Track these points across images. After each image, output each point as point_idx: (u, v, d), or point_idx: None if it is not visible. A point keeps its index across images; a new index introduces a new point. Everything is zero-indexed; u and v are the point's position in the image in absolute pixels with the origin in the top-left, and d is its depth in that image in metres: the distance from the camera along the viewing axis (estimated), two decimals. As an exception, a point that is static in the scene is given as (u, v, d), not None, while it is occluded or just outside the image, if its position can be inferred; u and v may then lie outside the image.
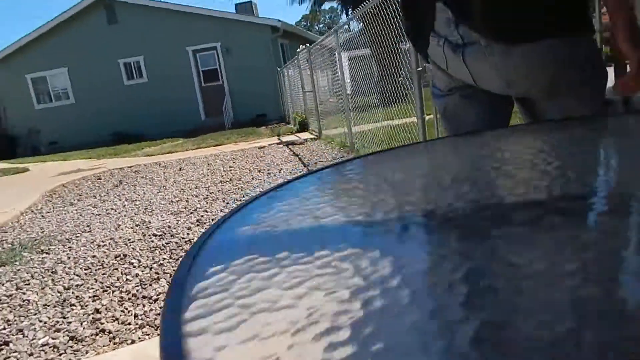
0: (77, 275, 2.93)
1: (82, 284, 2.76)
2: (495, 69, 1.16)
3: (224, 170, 6.36)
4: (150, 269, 2.87)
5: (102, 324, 2.22)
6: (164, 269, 2.83)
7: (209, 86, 16.80)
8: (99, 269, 3.00)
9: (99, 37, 16.50)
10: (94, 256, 3.28)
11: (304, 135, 9.96)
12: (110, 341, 2.06)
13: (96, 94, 16.70)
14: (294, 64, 11.89)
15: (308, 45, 9.77)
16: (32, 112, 17.39)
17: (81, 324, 2.25)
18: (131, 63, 16.87)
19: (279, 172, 5.72)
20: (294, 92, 12.78)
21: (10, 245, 3.91)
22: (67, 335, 2.14)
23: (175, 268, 2.84)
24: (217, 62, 16.69)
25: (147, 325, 2.15)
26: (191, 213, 4.16)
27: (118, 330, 2.13)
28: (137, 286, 2.62)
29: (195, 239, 3.14)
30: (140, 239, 3.54)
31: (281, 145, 8.51)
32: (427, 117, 3.87)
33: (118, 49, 16.56)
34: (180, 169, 7.11)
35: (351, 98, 6.99)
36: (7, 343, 2.16)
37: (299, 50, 10.46)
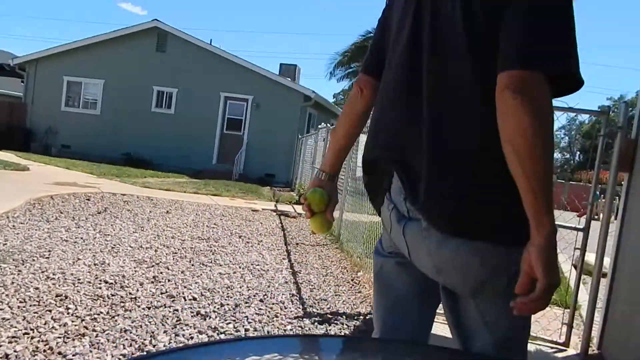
0: (9, 306, 2.87)
1: (9, 319, 2.69)
2: (429, 254, 1.16)
3: (207, 226, 6.35)
4: (82, 320, 2.80)
5: (3, 372, 2.14)
6: (94, 325, 2.76)
7: (229, 134, 17.17)
8: (34, 305, 2.94)
9: (143, 61, 17.18)
10: (36, 288, 3.22)
11: (301, 209, 9.98)
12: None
13: (122, 112, 17.13)
14: (313, 137, 12.16)
15: (329, 125, 10.03)
16: (57, 112, 17.81)
17: (-17, 366, 2.17)
18: (164, 92, 17.40)
19: (258, 243, 5.69)
20: (306, 163, 12.99)
21: (-34, 250, 3.88)
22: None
23: (108, 326, 2.78)
24: (244, 114, 17.15)
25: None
26: (152, 266, 4.11)
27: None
28: (59, 338, 2.54)
29: (142, 297, 3.08)
30: (90, 282, 3.48)
31: (274, 214, 8.52)
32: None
33: (157, 76, 17.16)
34: (167, 212, 7.11)
35: (352, 182, 7.03)
36: None
37: (320, 126, 10.74)
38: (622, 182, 3.80)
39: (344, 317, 3.56)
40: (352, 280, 4.65)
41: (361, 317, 3.63)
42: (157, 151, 16.47)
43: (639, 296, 2.93)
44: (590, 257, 3.77)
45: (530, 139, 0.92)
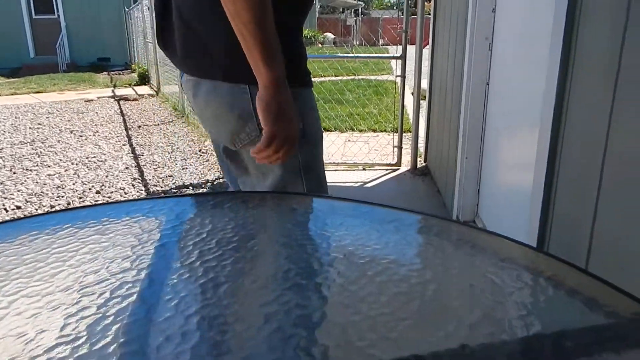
0: None
1: None
2: (193, 105, 1.16)
3: (30, 128, 5.66)
4: None
5: None
6: None
7: (41, 19, 14.75)
8: None
9: None
10: None
11: (143, 89, 9.30)
12: None
13: None
14: (138, 8, 10.90)
15: (150, -9, 8.97)
16: None
17: None
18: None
19: (94, 134, 5.26)
20: (140, 39, 11.80)
21: None
22: None
23: None
24: (53, -8, 14.69)
25: None
26: (-36, 183, 3.63)
27: None
28: None
29: None
30: None
31: (112, 100, 7.84)
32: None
33: None
34: (-22, 121, 6.18)
35: None
36: None
37: (142, -6, 9.59)
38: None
39: (191, 187, 3.54)
40: (199, 151, 4.57)
41: (209, 184, 3.64)
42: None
43: (442, 111, 3.27)
44: (421, 82, 4.04)
45: None
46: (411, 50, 3.81)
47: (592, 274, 0.55)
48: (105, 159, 4.25)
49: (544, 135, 1.42)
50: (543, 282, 0.56)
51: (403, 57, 3.84)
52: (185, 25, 1.05)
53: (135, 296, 0.52)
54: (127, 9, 14.26)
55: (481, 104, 2.46)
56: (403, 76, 3.90)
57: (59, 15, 14.78)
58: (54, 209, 3.05)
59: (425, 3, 3.81)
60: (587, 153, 1.18)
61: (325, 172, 1.17)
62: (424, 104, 4.14)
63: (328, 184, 1.18)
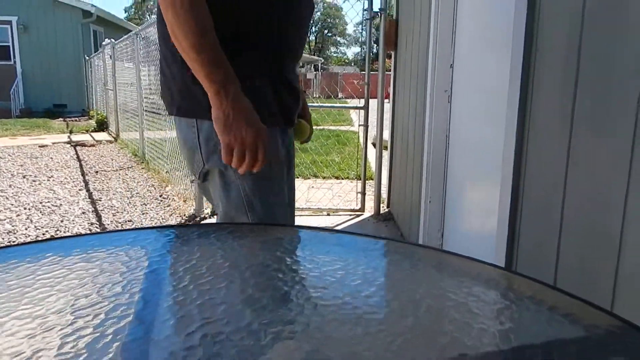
0: None
1: None
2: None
3: (-21, 172, 5.43)
4: None
5: None
6: None
7: (-4, 64, 14.45)
8: None
9: None
10: None
11: (101, 135, 9.14)
12: None
13: None
14: (100, 57, 10.89)
15: (113, 40, 9.03)
16: None
17: None
18: None
19: (48, 179, 5.09)
20: (100, 87, 11.71)
21: None
22: None
23: None
24: (10, 39, 14.46)
25: None
26: None
27: None
28: None
29: None
30: None
31: (68, 145, 7.66)
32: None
33: None
34: None
35: (153, 99, 6.59)
36: None
37: (104, 43, 9.62)
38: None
39: (152, 233, 3.45)
40: (160, 196, 4.50)
41: (170, 229, 3.56)
42: None
43: (405, 159, 3.38)
44: (385, 135, 4.17)
45: (170, 20, 0.94)
46: (372, 103, 3.96)
47: (562, 290, 0.58)
48: (61, 204, 4.10)
49: (506, 183, 1.50)
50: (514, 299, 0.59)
51: (366, 107, 3.98)
52: (160, 70, 1.16)
53: (131, 317, 0.52)
54: (87, 57, 14.21)
55: (443, 151, 2.57)
56: (366, 125, 4.03)
57: (15, 62, 14.52)
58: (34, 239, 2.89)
59: (386, 60, 4.00)
60: (547, 197, 1.25)
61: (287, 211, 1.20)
62: (385, 153, 4.25)
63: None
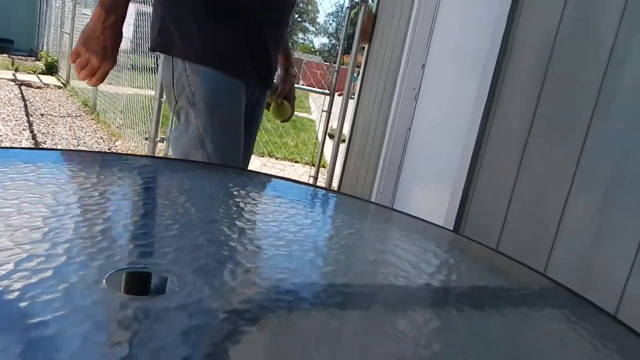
0: None
1: None
2: None
3: None
4: None
5: None
6: None
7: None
8: None
9: None
10: None
11: (49, 79, 8.69)
12: None
13: None
14: (60, -4, 10.31)
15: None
16: None
17: None
18: None
19: (-10, 114, 4.82)
20: (54, 29, 11.09)
21: None
22: None
23: None
24: (-40, -41, 13.38)
25: None
26: None
27: None
28: None
29: None
30: None
31: (13, 83, 7.23)
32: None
33: None
34: None
35: (123, 53, 6.35)
36: None
37: (67, -18, 9.12)
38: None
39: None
40: (109, 149, 4.37)
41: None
42: None
43: (362, 152, 3.49)
44: (335, 124, 4.26)
45: None
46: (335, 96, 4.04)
47: (502, 253, 0.68)
48: (1, 140, 3.91)
49: (458, 185, 1.61)
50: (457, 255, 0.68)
51: (332, 94, 4.05)
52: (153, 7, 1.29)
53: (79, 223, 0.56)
54: (44, -5, 13.40)
55: (401, 146, 2.69)
56: (329, 112, 4.10)
57: (-39, -16, 13.47)
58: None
59: (359, 55, 4.09)
60: (495, 204, 1.37)
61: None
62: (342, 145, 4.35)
63: None
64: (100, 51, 1.09)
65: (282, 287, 0.43)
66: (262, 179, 0.87)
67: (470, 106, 1.67)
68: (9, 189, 0.54)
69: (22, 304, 0.32)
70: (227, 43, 1.18)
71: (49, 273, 0.37)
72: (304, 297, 0.42)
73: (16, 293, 0.33)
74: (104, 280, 0.38)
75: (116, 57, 1.12)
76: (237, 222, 0.58)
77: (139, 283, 0.42)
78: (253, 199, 0.72)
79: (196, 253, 0.47)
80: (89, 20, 1.10)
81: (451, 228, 1.61)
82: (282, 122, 1.53)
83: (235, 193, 0.71)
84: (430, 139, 2.37)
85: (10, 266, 0.37)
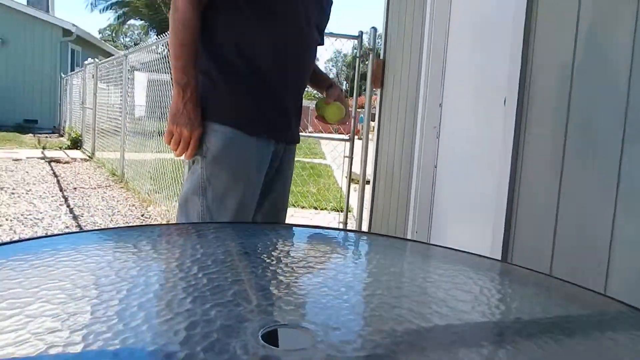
0: None
1: None
2: None
3: (-46, 182, 5.32)
4: None
5: None
6: None
7: (-33, 76, 14.14)
8: None
9: None
10: None
11: (75, 153, 9.05)
12: None
13: None
14: (79, 75, 10.87)
15: (97, 60, 9.08)
16: None
17: None
18: None
19: (27, 193, 5.03)
20: (75, 105, 11.62)
21: None
22: None
23: None
24: (-14, 52, 14.24)
25: None
26: None
27: None
28: None
29: None
30: None
31: (43, 161, 7.55)
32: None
33: None
34: None
35: (137, 121, 6.63)
36: None
37: (87, 62, 9.64)
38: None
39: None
40: (142, 215, 4.52)
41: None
42: None
43: (389, 193, 3.57)
44: (358, 169, 4.36)
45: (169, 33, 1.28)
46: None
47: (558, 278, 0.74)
48: (43, 217, 4.08)
49: (499, 218, 1.67)
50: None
51: (352, 139, 4.18)
52: None
53: (151, 294, 0.64)
54: (63, 75, 14.10)
55: (430, 183, 2.76)
56: (351, 157, 4.21)
57: (-12, 74, 14.27)
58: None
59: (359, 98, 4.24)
60: (538, 240, 1.43)
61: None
62: (357, 186, 4.43)
63: None
64: (188, 123, 1.22)
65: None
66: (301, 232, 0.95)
67: (498, 139, 1.75)
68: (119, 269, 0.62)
69: None
70: (242, 104, 1.30)
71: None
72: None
73: None
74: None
75: (201, 124, 1.24)
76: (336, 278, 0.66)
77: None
78: (294, 252, 0.80)
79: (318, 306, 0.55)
80: (171, 101, 1.25)
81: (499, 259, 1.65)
82: (338, 123, 1.57)
83: (281, 248, 0.79)
84: (459, 174, 2.44)
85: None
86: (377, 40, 4.15)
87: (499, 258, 1.61)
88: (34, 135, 12.13)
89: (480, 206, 2.09)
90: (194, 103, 1.23)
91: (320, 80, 1.60)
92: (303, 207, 5.51)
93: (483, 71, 2.21)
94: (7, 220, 3.90)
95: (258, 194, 1.34)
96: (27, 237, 3.33)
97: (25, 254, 0.70)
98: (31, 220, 3.97)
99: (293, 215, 4.92)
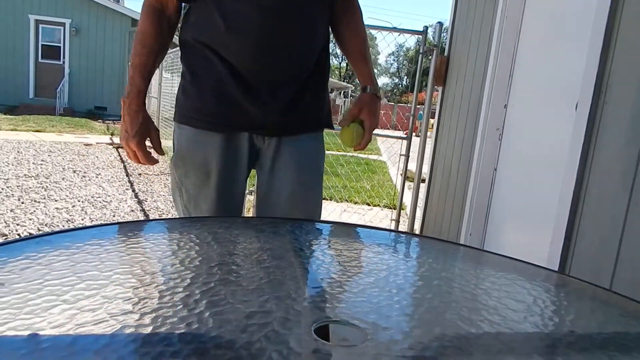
0: None
1: None
2: None
3: (33, 163, 5.73)
4: None
5: None
6: None
7: (46, 63, 15.10)
8: None
9: None
10: None
11: (141, 140, 9.47)
12: None
13: None
14: (147, 65, 11.34)
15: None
16: None
17: None
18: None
19: (97, 176, 5.34)
20: (142, 93, 12.12)
21: None
22: None
23: None
24: (62, 40, 15.16)
25: None
26: (-29, 207, 3.65)
27: None
28: None
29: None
30: None
31: (111, 147, 7.98)
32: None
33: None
34: (-20, 151, 6.22)
35: None
36: None
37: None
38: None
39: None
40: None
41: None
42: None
43: (444, 193, 3.51)
44: (413, 166, 4.32)
45: None
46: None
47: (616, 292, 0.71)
48: (111, 200, 4.32)
49: (560, 226, 1.62)
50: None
51: (409, 138, 4.14)
52: None
53: (213, 283, 0.67)
54: (132, 64, 14.75)
55: (489, 186, 2.70)
56: (407, 155, 4.18)
57: (64, 62, 15.18)
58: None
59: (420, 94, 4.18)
60: (601, 253, 1.37)
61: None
62: (412, 184, 4.38)
63: None
64: (124, 136, 1.20)
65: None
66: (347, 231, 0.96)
67: (565, 145, 1.69)
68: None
69: None
70: (201, 101, 1.26)
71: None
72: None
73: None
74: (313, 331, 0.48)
75: (142, 130, 1.21)
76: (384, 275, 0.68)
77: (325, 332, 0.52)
78: (349, 250, 0.81)
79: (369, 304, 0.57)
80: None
81: (555, 269, 1.60)
82: (353, 148, 1.33)
83: (338, 247, 0.81)
84: (520, 179, 2.37)
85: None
86: (442, 35, 4.07)
87: (556, 269, 1.56)
88: (103, 122, 12.81)
89: (540, 213, 2.02)
90: (130, 114, 1.20)
91: (359, 76, 1.41)
92: (356, 203, 5.52)
93: (555, 73, 2.13)
94: (79, 201, 4.17)
95: (243, 188, 1.33)
96: (97, 219, 3.56)
97: (100, 239, 0.76)
98: (100, 202, 4.22)
99: (346, 210, 4.95)
